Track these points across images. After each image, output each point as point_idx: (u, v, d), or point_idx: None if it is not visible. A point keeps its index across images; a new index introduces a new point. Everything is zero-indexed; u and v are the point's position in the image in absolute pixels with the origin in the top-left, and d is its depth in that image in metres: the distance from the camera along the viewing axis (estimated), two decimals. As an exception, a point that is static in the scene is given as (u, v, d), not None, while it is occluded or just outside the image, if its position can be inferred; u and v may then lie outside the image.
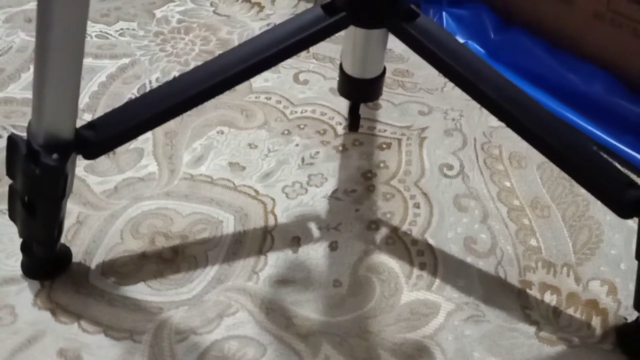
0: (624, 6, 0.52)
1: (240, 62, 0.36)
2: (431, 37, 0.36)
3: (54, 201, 0.35)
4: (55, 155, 0.33)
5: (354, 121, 0.47)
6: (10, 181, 0.37)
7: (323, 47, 0.67)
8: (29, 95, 0.58)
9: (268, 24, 0.70)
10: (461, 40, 0.67)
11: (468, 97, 0.61)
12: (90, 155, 0.36)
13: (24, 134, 0.53)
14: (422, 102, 0.60)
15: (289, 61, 0.65)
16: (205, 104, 0.58)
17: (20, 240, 0.41)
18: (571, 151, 0.35)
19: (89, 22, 0.69)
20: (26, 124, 0.55)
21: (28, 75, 0.60)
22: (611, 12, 0.53)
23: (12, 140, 0.34)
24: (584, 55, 0.59)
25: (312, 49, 0.67)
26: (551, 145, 0.35)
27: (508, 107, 0.35)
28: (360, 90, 0.45)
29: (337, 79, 0.62)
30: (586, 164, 0.35)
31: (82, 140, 0.35)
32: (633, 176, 0.52)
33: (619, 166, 0.53)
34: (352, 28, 0.38)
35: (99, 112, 0.56)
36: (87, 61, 0.62)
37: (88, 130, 0.36)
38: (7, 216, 0.46)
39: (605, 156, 0.35)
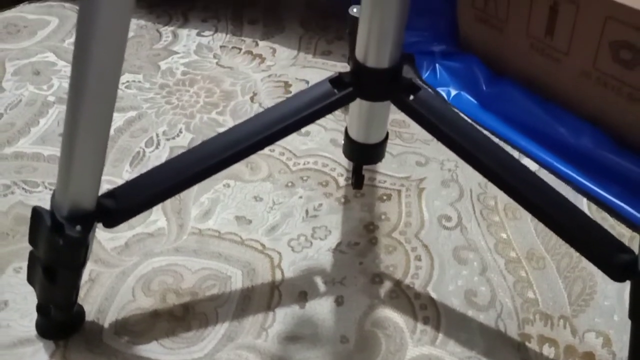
0: (608, 66, 0.55)
1: (253, 135, 0.38)
2: (431, 109, 0.39)
3: (75, 269, 0.37)
4: (78, 227, 0.35)
5: (358, 180, 0.50)
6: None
7: (323, 98, 0.70)
8: (39, 149, 0.60)
9: (269, 75, 0.73)
10: (454, 92, 0.70)
11: (463, 148, 0.64)
12: (111, 224, 0.37)
13: (34, 190, 0.55)
14: (419, 152, 0.63)
15: (290, 112, 0.68)
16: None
17: (34, 299, 0.42)
18: (564, 217, 0.37)
19: (96, 75, 0.71)
20: (37, 179, 0.57)
21: (37, 130, 0.62)
22: (597, 71, 0.57)
23: (36, 212, 0.35)
24: (572, 109, 0.62)
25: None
26: (546, 211, 0.37)
27: (504, 175, 0.38)
28: (364, 154, 0.47)
29: (338, 130, 0.65)
30: (579, 229, 0.37)
31: (103, 209, 0.37)
32: (622, 226, 0.55)
33: (609, 216, 0.56)
34: (357, 99, 0.41)
35: (108, 167, 0.58)
36: (95, 114, 0.64)
37: (109, 199, 0.37)
38: (20, 275, 0.47)
39: (596, 221, 0.37)
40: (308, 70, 0.74)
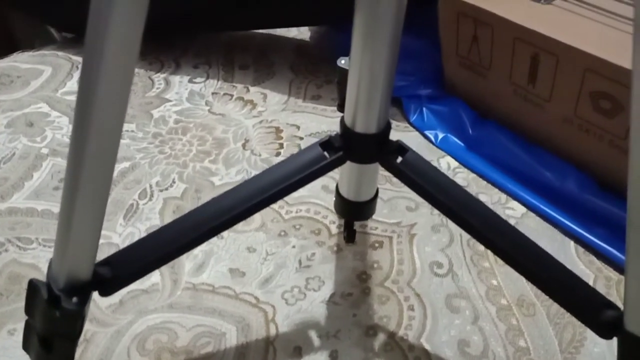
0: (589, 114, 0.57)
1: (245, 201, 0.39)
2: (418, 171, 0.40)
3: (72, 339, 0.37)
4: (75, 299, 0.35)
5: (350, 235, 0.51)
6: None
7: (313, 144, 0.71)
8: (32, 204, 0.61)
9: (261, 121, 0.74)
10: (441, 135, 0.72)
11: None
12: (107, 292, 0.38)
13: (28, 247, 0.55)
14: (409, 197, 0.64)
15: (281, 159, 0.69)
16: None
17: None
18: (550, 274, 0.38)
19: (89, 125, 0.72)
20: (31, 236, 0.57)
21: (31, 184, 0.62)
22: (578, 118, 0.59)
23: (33, 285, 0.36)
24: (557, 152, 0.64)
25: (303, 146, 0.71)
26: (532, 270, 0.39)
27: (491, 236, 0.39)
28: (355, 211, 0.48)
29: (329, 176, 0.66)
30: (564, 287, 0.38)
31: (99, 278, 0.37)
32: (609, 269, 0.56)
33: (596, 259, 0.58)
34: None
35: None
36: (89, 166, 0.65)
37: (105, 268, 0.38)
38: (14, 337, 0.47)
39: (581, 278, 0.39)
40: (298, 115, 0.76)
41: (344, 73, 0.65)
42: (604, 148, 0.58)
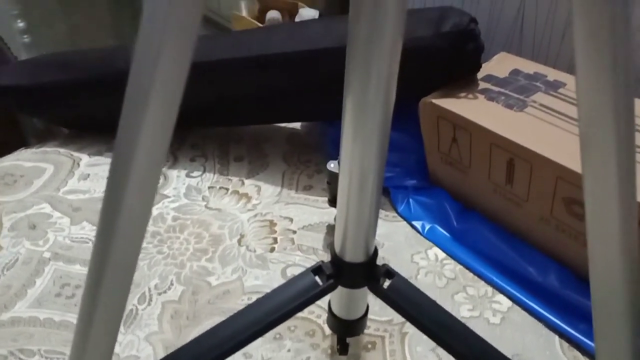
0: (564, 216, 0.61)
1: (240, 332, 0.41)
2: (404, 296, 0.43)
3: None
4: None
5: (342, 349, 0.53)
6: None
7: (307, 238, 0.74)
8: (35, 313, 0.62)
9: (255, 215, 0.78)
10: (428, 225, 0.75)
11: (441, 285, 0.68)
12: None
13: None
14: (400, 292, 0.67)
15: (276, 255, 0.72)
16: (200, 311, 0.63)
17: None
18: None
19: (90, 226, 0.75)
20: (33, 347, 0.58)
21: (34, 291, 0.64)
22: (554, 219, 0.62)
23: None
24: (538, 247, 0.67)
25: (297, 240, 0.74)
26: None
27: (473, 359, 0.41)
28: (347, 328, 0.51)
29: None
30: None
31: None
32: (593, 365, 0.58)
33: (581, 355, 0.60)
34: (338, 285, 0.45)
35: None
36: (90, 270, 0.67)
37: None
38: None
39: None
40: (291, 207, 0.79)
41: (333, 175, 0.69)
42: (580, 247, 0.61)
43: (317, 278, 0.44)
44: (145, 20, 0.25)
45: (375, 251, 0.44)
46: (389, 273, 0.44)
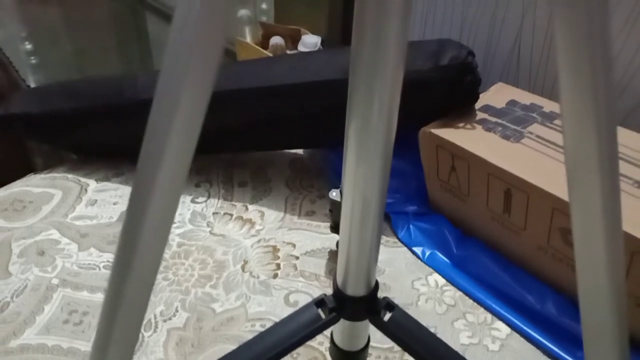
0: (560, 246, 0.63)
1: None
2: (404, 328, 0.45)
3: None
4: None
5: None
6: None
7: (309, 264, 0.75)
8: (43, 339, 0.64)
9: (259, 241, 0.79)
10: (428, 251, 0.77)
11: (441, 312, 0.69)
12: None
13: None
14: (400, 318, 0.68)
15: (279, 281, 0.73)
16: (205, 338, 0.65)
17: None
18: None
19: (97, 252, 0.76)
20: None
21: (42, 318, 0.66)
22: (551, 248, 0.64)
23: None
24: (536, 275, 0.69)
25: (299, 266, 0.75)
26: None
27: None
28: (348, 359, 0.52)
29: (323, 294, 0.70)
30: None
31: None
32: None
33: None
34: (340, 317, 0.46)
35: None
36: (97, 297, 0.69)
37: None
38: None
39: None
40: (294, 232, 0.81)
41: (335, 203, 0.70)
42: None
43: (320, 311, 0.46)
44: (169, 54, 0.26)
45: (376, 284, 0.46)
46: (390, 306, 0.46)
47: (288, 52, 1.20)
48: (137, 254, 0.31)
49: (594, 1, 0.24)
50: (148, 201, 0.30)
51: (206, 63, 0.26)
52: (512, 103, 0.76)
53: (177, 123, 0.28)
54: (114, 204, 0.84)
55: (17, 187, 0.87)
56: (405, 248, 0.78)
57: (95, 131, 0.85)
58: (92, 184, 0.88)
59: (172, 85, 0.27)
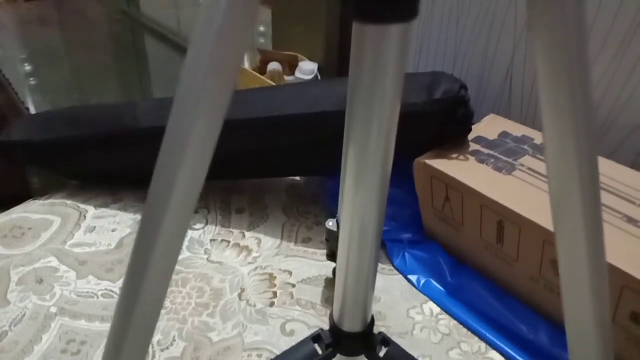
0: (552, 277, 0.64)
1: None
2: (400, 364, 0.45)
3: None
4: None
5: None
6: None
7: (305, 292, 0.76)
8: (41, 370, 0.64)
9: (255, 268, 0.80)
10: (423, 280, 0.78)
11: (436, 341, 0.70)
12: None
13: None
14: (396, 348, 0.69)
15: (276, 310, 0.74)
16: (204, 369, 0.65)
17: None
18: None
19: (96, 280, 0.77)
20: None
21: (40, 347, 0.66)
22: (543, 279, 0.65)
23: None
24: (529, 305, 0.70)
25: (296, 295, 0.76)
26: None
27: None
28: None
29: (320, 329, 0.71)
30: None
31: None
32: None
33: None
34: (337, 353, 0.47)
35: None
36: (95, 326, 0.69)
37: None
38: None
39: None
40: (290, 260, 0.82)
41: (331, 232, 0.71)
42: (569, 306, 0.64)
43: (316, 346, 0.47)
44: (182, 85, 0.27)
45: (372, 320, 0.47)
46: (386, 341, 0.47)
47: (286, 77, 1.22)
48: (145, 281, 0.32)
49: (572, 46, 0.26)
50: (158, 229, 0.31)
51: (219, 96, 0.27)
52: (504, 135, 0.77)
53: (189, 154, 0.29)
54: (113, 230, 0.85)
55: (16, 214, 0.88)
56: (401, 276, 0.79)
57: (95, 158, 0.87)
58: (91, 210, 0.89)
59: (185, 116, 0.28)
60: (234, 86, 0.27)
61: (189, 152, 0.29)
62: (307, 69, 1.18)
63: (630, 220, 0.60)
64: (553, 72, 0.27)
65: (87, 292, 0.74)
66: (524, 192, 0.66)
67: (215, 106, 0.27)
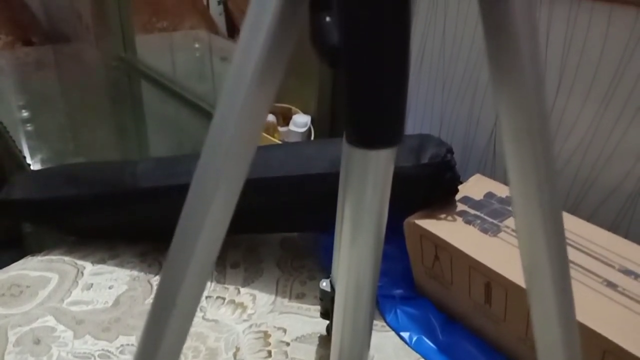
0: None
1: None
2: None
3: None
4: None
5: None
6: None
7: (300, 351, 0.77)
8: None
9: (250, 326, 0.81)
10: (415, 337, 0.80)
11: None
12: None
13: None
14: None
15: (271, 369, 0.75)
16: None
17: None
18: None
19: (93, 340, 0.78)
20: None
21: (37, 413, 0.67)
22: (529, 340, 0.67)
23: None
24: (518, 363, 0.71)
25: (290, 353, 0.77)
26: None
27: None
28: None
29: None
30: None
31: None
32: None
33: None
34: None
35: None
36: (91, 389, 0.70)
37: None
38: None
39: None
40: (285, 317, 0.83)
41: (324, 292, 0.73)
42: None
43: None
44: (207, 149, 0.30)
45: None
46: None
47: (279, 128, 1.26)
48: (163, 339, 0.35)
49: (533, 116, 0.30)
50: (179, 286, 0.35)
51: (242, 159, 0.31)
52: (489, 195, 0.81)
53: (211, 213, 0.34)
54: (110, 287, 0.86)
55: (14, 271, 0.89)
56: (393, 332, 0.81)
57: (95, 216, 0.89)
58: (88, 266, 0.90)
59: (209, 179, 0.32)
60: (255, 149, 0.31)
61: (211, 213, 0.33)
62: (300, 121, 1.22)
63: (610, 284, 0.63)
64: (515, 130, 0.31)
65: (84, 353, 0.75)
66: (509, 254, 0.69)
67: (239, 166, 0.31)
